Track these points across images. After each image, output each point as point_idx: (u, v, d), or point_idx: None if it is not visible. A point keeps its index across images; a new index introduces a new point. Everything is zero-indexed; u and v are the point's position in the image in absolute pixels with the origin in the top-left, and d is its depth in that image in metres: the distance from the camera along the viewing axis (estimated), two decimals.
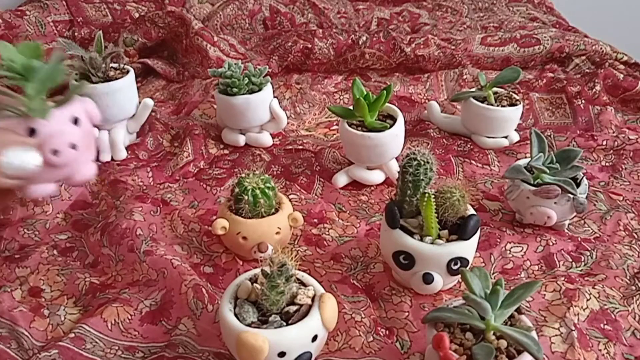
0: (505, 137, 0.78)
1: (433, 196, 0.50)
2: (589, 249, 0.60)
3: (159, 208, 0.64)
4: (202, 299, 0.53)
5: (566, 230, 0.63)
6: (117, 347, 0.49)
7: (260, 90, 0.76)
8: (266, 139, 0.78)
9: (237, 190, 0.54)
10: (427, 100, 0.91)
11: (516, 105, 0.77)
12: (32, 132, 0.44)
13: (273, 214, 0.55)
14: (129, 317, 0.51)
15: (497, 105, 0.77)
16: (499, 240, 0.61)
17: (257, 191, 0.53)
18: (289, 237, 0.58)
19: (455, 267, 0.51)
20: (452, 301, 0.45)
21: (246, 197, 0.53)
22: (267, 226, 0.54)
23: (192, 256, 0.59)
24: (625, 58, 0.99)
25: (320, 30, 1.03)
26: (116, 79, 0.73)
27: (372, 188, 0.71)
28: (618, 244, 0.61)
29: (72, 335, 0.48)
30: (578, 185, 0.60)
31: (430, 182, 0.51)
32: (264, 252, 0.54)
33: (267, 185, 0.55)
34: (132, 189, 0.67)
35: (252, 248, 0.54)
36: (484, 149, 0.77)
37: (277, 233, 0.54)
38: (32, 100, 0.44)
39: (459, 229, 0.51)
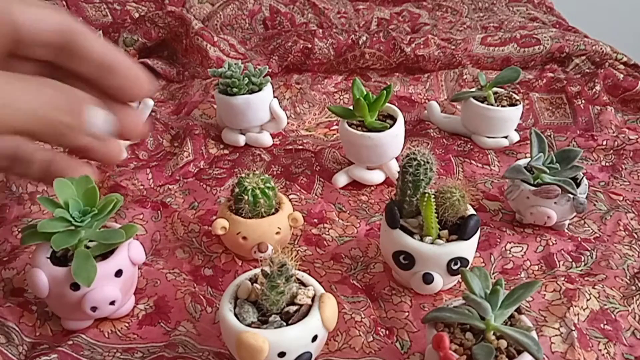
0: (505, 137, 0.78)
1: (433, 196, 0.50)
2: (589, 249, 0.60)
3: (159, 212, 0.64)
4: (200, 302, 0.53)
5: (566, 230, 0.63)
6: (115, 350, 0.49)
7: (260, 90, 0.76)
8: (266, 139, 0.78)
9: (237, 190, 0.54)
10: (427, 100, 0.91)
11: (516, 105, 0.77)
12: (76, 286, 0.46)
13: (273, 214, 0.55)
14: (127, 325, 0.51)
15: (497, 105, 0.77)
16: (499, 240, 0.61)
17: (257, 191, 0.53)
18: (289, 237, 0.58)
19: (455, 267, 0.51)
20: (452, 301, 0.45)
21: (246, 197, 0.52)
22: (267, 226, 0.54)
23: (193, 258, 0.59)
24: (625, 58, 0.99)
25: (320, 30, 1.03)
26: None
27: (372, 188, 0.71)
28: (618, 244, 0.61)
29: (71, 342, 0.48)
30: (578, 185, 0.60)
31: (430, 182, 0.51)
32: (264, 252, 0.53)
33: (267, 185, 0.54)
34: (132, 194, 0.67)
35: (252, 248, 0.54)
36: (484, 149, 0.77)
37: (277, 233, 0.54)
38: (79, 267, 0.45)
39: (459, 229, 0.51)
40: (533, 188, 0.59)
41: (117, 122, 0.38)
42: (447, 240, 0.51)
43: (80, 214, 0.46)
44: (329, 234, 0.62)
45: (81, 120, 0.36)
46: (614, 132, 0.81)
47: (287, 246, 0.60)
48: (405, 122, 0.70)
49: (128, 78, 0.39)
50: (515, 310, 0.44)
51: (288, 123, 0.82)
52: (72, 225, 0.46)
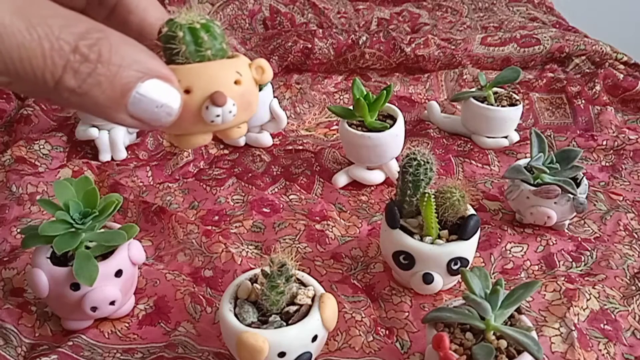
0: (505, 137, 0.78)
1: (433, 196, 0.50)
2: (589, 249, 0.60)
3: (160, 217, 0.64)
4: (200, 303, 0.53)
5: (566, 230, 0.63)
6: (115, 350, 0.49)
7: (260, 90, 0.75)
8: (266, 139, 0.78)
9: (165, 30, 0.32)
10: (427, 100, 0.91)
11: (516, 105, 0.77)
12: (76, 286, 0.46)
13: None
14: (127, 325, 0.51)
15: (497, 105, 0.77)
16: (499, 240, 0.61)
17: (197, 25, 0.32)
18: (257, 98, 0.35)
19: (455, 267, 0.51)
20: (452, 301, 0.46)
21: (181, 35, 0.31)
22: (220, 69, 0.32)
23: (193, 260, 0.59)
24: (625, 58, 0.99)
25: (320, 30, 1.03)
26: None
27: (372, 188, 0.71)
28: (618, 244, 0.61)
29: (71, 343, 0.48)
30: (578, 185, 0.60)
31: (430, 182, 0.51)
32: (221, 105, 0.31)
33: (211, 21, 0.34)
34: (133, 195, 0.67)
35: (202, 105, 0.30)
36: (484, 149, 0.77)
37: (237, 82, 0.32)
38: (80, 267, 0.45)
39: (459, 229, 0.51)
40: (533, 188, 0.59)
41: (178, 101, 0.28)
42: (447, 240, 0.51)
43: (80, 216, 0.46)
44: (331, 232, 0.62)
45: (122, 95, 0.26)
46: (614, 132, 0.81)
47: (288, 242, 0.60)
48: (405, 122, 0.70)
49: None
50: (515, 310, 0.44)
51: (288, 123, 0.82)
52: (72, 228, 0.46)
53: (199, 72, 0.31)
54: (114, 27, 0.28)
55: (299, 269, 0.46)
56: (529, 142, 0.64)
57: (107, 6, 0.32)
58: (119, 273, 0.48)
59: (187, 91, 0.30)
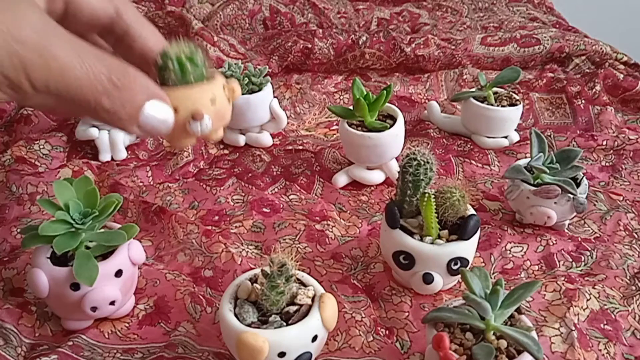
0: (505, 137, 0.78)
1: (433, 196, 0.50)
2: (589, 249, 0.60)
3: (160, 217, 0.64)
4: (200, 303, 0.53)
5: (566, 230, 0.63)
6: (115, 351, 0.49)
7: (260, 90, 0.76)
8: (266, 139, 0.78)
9: (159, 60, 0.45)
10: (427, 100, 0.91)
11: (516, 105, 0.77)
12: (76, 286, 0.46)
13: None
14: (127, 325, 0.51)
15: (497, 105, 0.77)
16: (499, 240, 0.61)
17: (183, 57, 0.44)
18: (229, 113, 0.47)
19: (455, 267, 0.51)
20: (452, 301, 0.46)
21: (171, 65, 0.44)
22: (199, 93, 0.44)
23: (193, 260, 0.59)
24: (625, 58, 0.99)
25: (320, 30, 1.03)
26: None
27: (372, 188, 0.71)
28: (618, 244, 0.61)
29: (71, 342, 0.48)
30: (578, 185, 0.60)
31: (430, 182, 0.51)
32: (199, 120, 0.43)
33: (194, 52, 0.45)
34: (133, 195, 0.67)
35: (186, 121, 0.43)
36: (484, 149, 0.77)
37: (213, 102, 0.44)
38: (80, 267, 0.46)
39: (459, 229, 0.51)
40: (533, 188, 0.59)
41: (172, 117, 0.39)
42: (447, 240, 0.51)
43: (80, 216, 0.46)
44: (331, 232, 0.62)
45: (137, 112, 0.36)
46: (614, 132, 0.81)
47: (288, 242, 0.60)
48: (405, 122, 0.70)
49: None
50: (515, 310, 0.44)
51: (288, 123, 0.82)
52: (73, 228, 0.46)
53: (184, 95, 0.42)
54: (121, 51, 0.42)
55: (299, 269, 0.46)
56: (529, 142, 0.64)
57: (116, 36, 0.42)
58: (119, 273, 0.48)
59: (175, 110, 0.41)
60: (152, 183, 0.71)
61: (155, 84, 0.39)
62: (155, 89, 0.38)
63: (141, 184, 0.70)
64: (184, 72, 0.44)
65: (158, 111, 0.38)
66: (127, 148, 0.76)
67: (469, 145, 0.79)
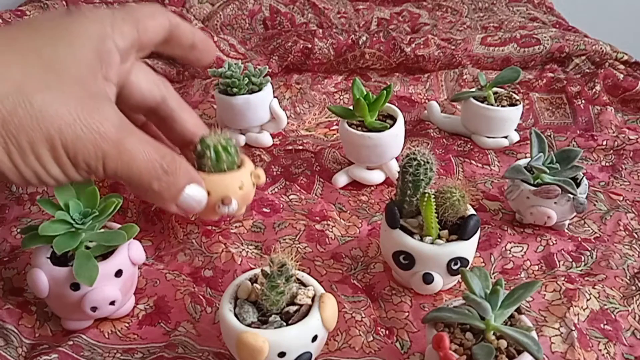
0: (505, 137, 0.78)
1: (433, 196, 0.50)
2: (589, 249, 0.60)
3: (160, 217, 0.64)
4: (200, 303, 0.53)
5: (566, 230, 0.63)
6: (115, 351, 0.49)
7: (260, 90, 0.76)
8: (266, 139, 0.78)
9: (199, 147, 0.53)
10: (427, 100, 0.91)
11: (516, 105, 0.77)
12: (76, 286, 0.46)
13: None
14: (127, 325, 0.51)
15: (497, 105, 0.77)
16: (499, 240, 0.61)
17: (219, 147, 0.53)
18: (253, 194, 0.56)
19: (455, 267, 0.51)
20: (452, 301, 0.46)
21: (208, 153, 0.52)
22: (230, 180, 0.53)
23: (193, 260, 0.59)
24: (625, 58, 0.99)
25: (320, 30, 1.03)
26: None
27: (372, 188, 0.71)
28: (618, 244, 0.61)
29: (71, 342, 0.48)
30: (578, 185, 0.60)
31: (430, 182, 0.51)
32: (228, 205, 0.52)
33: (229, 142, 0.54)
34: (133, 194, 0.67)
35: (216, 203, 0.52)
36: (484, 149, 0.78)
37: (240, 188, 0.53)
38: (80, 267, 0.46)
39: (459, 229, 0.51)
40: (533, 188, 0.59)
41: (205, 199, 0.46)
42: (447, 240, 0.51)
43: (80, 216, 0.46)
44: (331, 232, 0.62)
45: (178, 193, 0.43)
46: (614, 132, 0.81)
47: (288, 242, 0.60)
48: (405, 122, 0.70)
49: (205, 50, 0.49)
50: (515, 310, 0.44)
51: (288, 123, 0.82)
52: (73, 228, 0.46)
53: (217, 182, 0.51)
54: (163, 130, 0.51)
55: (299, 269, 0.46)
56: (529, 142, 0.64)
57: (160, 117, 0.49)
58: (119, 273, 0.48)
59: (208, 193, 0.48)
60: None
61: (194, 169, 0.45)
62: (195, 174, 0.45)
63: None
64: (219, 160, 0.52)
65: (195, 194, 0.44)
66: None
67: (469, 145, 0.79)
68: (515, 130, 0.79)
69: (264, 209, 0.66)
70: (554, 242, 0.60)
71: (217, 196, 0.52)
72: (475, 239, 0.52)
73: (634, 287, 0.55)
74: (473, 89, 0.82)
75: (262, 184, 0.56)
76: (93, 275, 0.45)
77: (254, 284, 0.45)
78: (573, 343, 0.48)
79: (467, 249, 0.51)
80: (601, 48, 0.99)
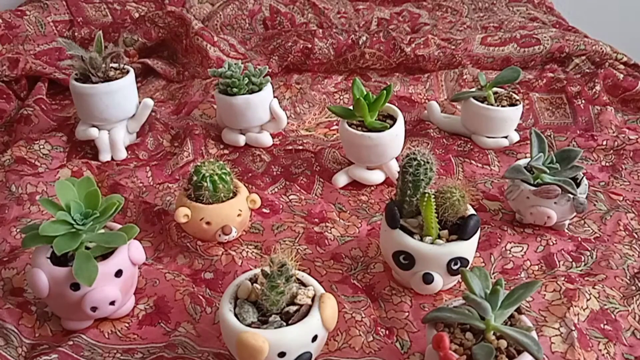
0: (505, 137, 0.78)
1: (433, 196, 0.50)
2: (589, 249, 0.60)
3: (160, 217, 0.64)
4: (200, 303, 0.53)
5: (566, 230, 0.63)
6: (115, 351, 0.49)
7: (260, 90, 0.75)
8: (266, 139, 0.78)
9: (195, 178, 0.56)
10: (427, 100, 0.91)
11: (516, 105, 0.77)
12: (76, 286, 0.46)
13: (232, 197, 0.58)
14: (127, 325, 0.51)
15: (497, 105, 0.77)
16: (499, 240, 0.61)
17: (216, 177, 0.55)
18: (249, 217, 0.60)
19: (455, 267, 0.51)
20: (452, 301, 0.45)
21: (205, 184, 0.55)
22: (229, 209, 0.57)
23: (193, 262, 0.58)
24: (625, 58, 0.99)
25: (320, 30, 1.03)
26: (116, 79, 0.73)
27: (372, 188, 0.71)
28: (618, 244, 0.61)
29: (71, 342, 0.48)
30: (578, 185, 0.60)
31: (430, 182, 0.51)
32: (228, 234, 0.56)
33: (224, 171, 0.57)
34: (133, 195, 0.67)
35: (217, 232, 0.56)
36: (484, 149, 0.77)
37: (239, 215, 0.57)
38: (80, 267, 0.46)
39: (459, 229, 0.51)
40: (533, 188, 0.59)
41: None
42: (447, 240, 0.51)
43: (81, 217, 0.46)
44: (330, 233, 0.62)
45: None
46: (614, 132, 0.80)
47: (288, 244, 0.60)
48: (405, 122, 0.70)
49: None
50: (515, 310, 0.43)
51: (288, 123, 0.82)
52: (73, 228, 0.46)
53: (216, 212, 0.56)
54: None
55: (299, 270, 0.46)
56: (529, 142, 0.64)
57: None
58: (119, 273, 0.48)
59: (208, 223, 0.54)
60: (152, 183, 0.70)
61: None
62: None
63: (141, 184, 0.70)
64: (217, 190, 0.55)
65: None
66: (127, 148, 0.76)
67: (469, 145, 0.79)
68: (515, 130, 0.79)
69: (264, 210, 0.65)
70: (554, 242, 0.60)
71: (217, 225, 0.56)
72: (475, 239, 0.52)
73: (634, 287, 0.55)
74: (473, 89, 0.82)
75: (257, 206, 0.60)
76: (92, 276, 0.45)
77: (254, 284, 0.45)
78: (573, 343, 0.48)
79: (467, 249, 0.51)
80: (601, 48, 0.99)
